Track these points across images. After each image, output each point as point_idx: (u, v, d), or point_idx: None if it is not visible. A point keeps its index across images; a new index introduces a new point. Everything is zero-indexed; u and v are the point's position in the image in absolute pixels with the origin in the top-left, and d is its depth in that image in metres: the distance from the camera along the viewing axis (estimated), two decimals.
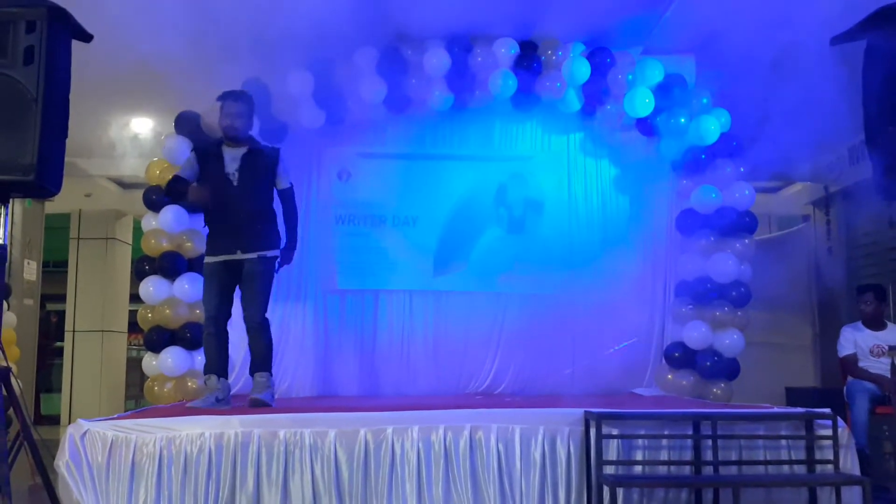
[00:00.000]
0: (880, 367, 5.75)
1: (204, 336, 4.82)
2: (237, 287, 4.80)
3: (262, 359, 4.83)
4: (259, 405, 4.59)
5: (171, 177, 5.42)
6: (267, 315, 6.43)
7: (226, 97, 4.81)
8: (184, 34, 4.99)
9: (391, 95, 6.13)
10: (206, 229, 4.83)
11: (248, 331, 4.79)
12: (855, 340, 5.90)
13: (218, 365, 4.77)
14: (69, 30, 3.55)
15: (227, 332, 4.84)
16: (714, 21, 5.74)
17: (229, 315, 4.84)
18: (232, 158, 4.73)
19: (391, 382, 6.36)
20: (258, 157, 4.76)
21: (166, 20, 4.91)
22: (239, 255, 4.69)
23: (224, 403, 4.68)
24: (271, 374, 4.88)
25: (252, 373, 4.81)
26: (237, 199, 4.67)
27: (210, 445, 3.92)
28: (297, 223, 4.89)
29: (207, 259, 4.79)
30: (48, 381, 10.87)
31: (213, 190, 4.66)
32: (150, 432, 3.94)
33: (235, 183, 4.69)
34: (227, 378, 4.84)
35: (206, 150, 4.86)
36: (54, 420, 9.61)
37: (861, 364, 5.83)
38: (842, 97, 4.58)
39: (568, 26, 6.01)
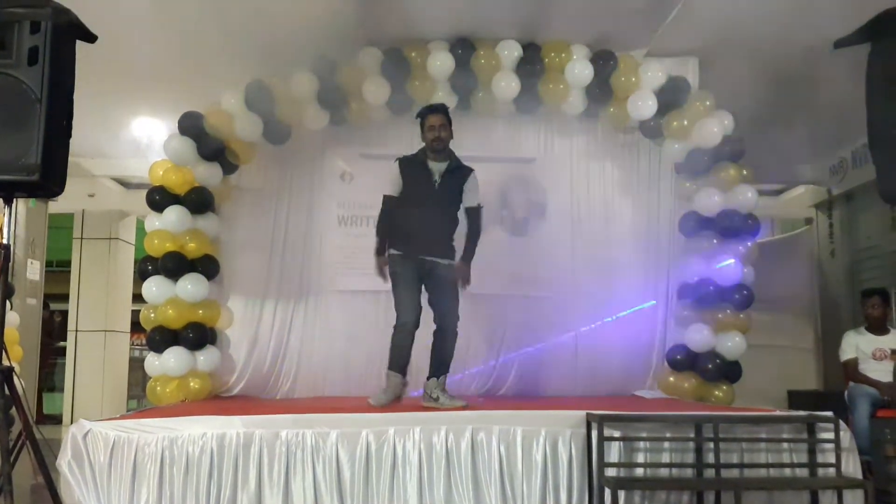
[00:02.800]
0: (882, 371, 5.76)
1: (399, 333, 4.93)
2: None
3: (446, 363, 5.00)
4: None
5: (173, 177, 5.45)
6: (268, 316, 6.48)
7: (428, 111, 5.06)
8: (188, 35, 5.01)
9: (394, 97, 6.14)
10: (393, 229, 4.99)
11: (440, 332, 4.99)
12: (857, 345, 5.91)
13: (404, 362, 4.95)
14: (73, 30, 3.55)
15: None
16: (717, 23, 5.75)
17: None
18: (437, 171, 4.99)
19: None
20: (456, 173, 5.01)
21: (170, 21, 4.93)
22: (436, 259, 4.96)
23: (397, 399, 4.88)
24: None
25: (437, 375, 4.95)
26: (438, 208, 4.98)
27: (212, 446, 3.93)
28: (477, 241, 5.05)
29: (393, 252, 4.95)
30: (51, 380, 10.88)
31: (417, 198, 4.97)
32: (152, 432, 3.96)
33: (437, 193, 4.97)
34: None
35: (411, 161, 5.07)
36: (56, 419, 9.61)
37: (863, 368, 5.83)
38: (845, 100, 4.58)
39: (571, 28, 6.01)
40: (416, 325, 4.93)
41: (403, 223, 4.97)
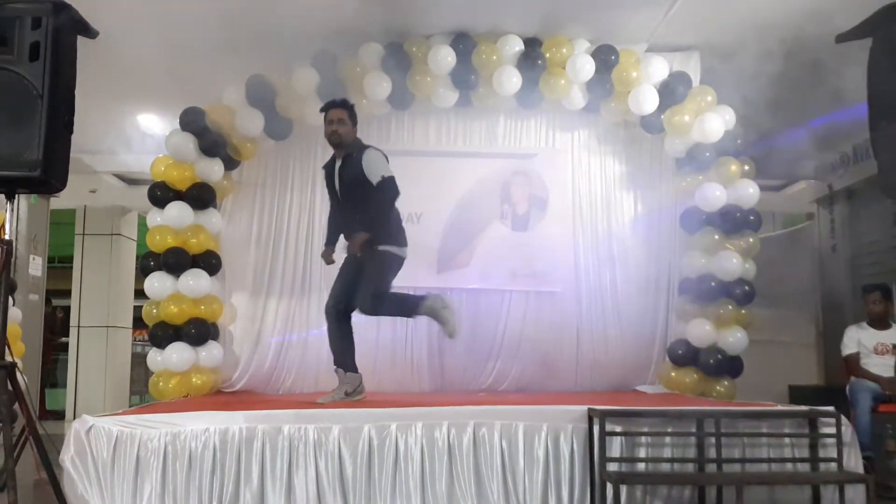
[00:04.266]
0: (884, 365, 5.77)
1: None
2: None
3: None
4: None
5: (174, 172, 5.46)
6: (270, 311, 6.49)
7: (328, 105, 4.98)
8: (189, 31, 5.00)
9: (396, 92, 6.14)
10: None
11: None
12: (859, 339, 5.92)
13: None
14: (74, 26, 3.56)
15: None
16: (718, 18, 5.75)
17: None
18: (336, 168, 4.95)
19: (395, 379, 6.37)
20: (348, 161, 4.87)
21: (171, 17, 4.92)
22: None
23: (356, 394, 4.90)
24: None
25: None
26: None
27: (215, 441, 3.93)
28: (383, 212, 4.86)
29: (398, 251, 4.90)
30: (53, 376, 10.89)
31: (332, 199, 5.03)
32: (155, 428, 3.96)
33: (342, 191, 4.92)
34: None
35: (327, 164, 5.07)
36: (59, 415, 9.63)
37: (865, 362, 5.83)
38: (847, 94, 4.58)
39: (572, 23, 6.01)
40: (336, 312, 4.91)
41: (340, 224, 5.03)
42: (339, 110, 4.90)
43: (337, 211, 5.04)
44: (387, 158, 4.86)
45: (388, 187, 4.73)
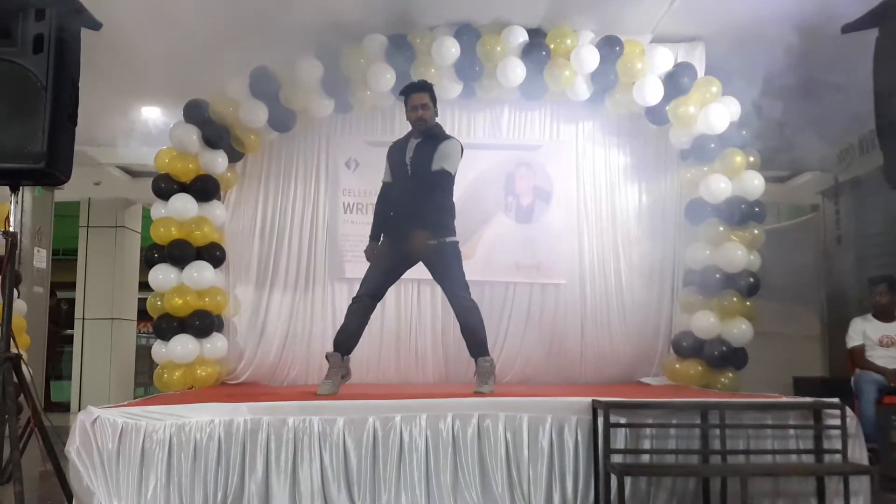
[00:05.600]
0: (889, 357, 5.76)
1: (351, 305, 4.93)
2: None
3: (479, 342, 4.92)
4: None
5: (178, 165, 5.45)
6: (274, 303, 6.49)
7: (410, 89, 4.97)
8: (192, 22, 4.99)
9: (400, 84, 6.11)
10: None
11: (457, 313, 4.93)
12: (864, 331, 5.92)
13: (345, 339, 4.92)
14: (78, 18, 3.56)
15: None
16: (723, 9, 5.72)
17: None
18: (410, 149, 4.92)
19: (399, 370, 6.38)
20: (427, 144, 4.87)
21: (175, 8, 4.92)
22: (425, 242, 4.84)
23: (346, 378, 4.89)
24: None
25: (475, 357, 4.92)
26: None
27: (219, 432, 3.94)
28: (438, 207, 4.91)
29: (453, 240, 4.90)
30: (58, 368, 10.91)
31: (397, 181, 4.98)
32: (160, 419, 3.97)
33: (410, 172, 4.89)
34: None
35: (396, 145, 5.06)
36: (64, 407, 9.65)
37: (869, 354, 5.83)
38: (853, 85, 4.55)
39: (577, 14, 5.99)
40: (370, 302, 4.90)
41: (390, 208, 4.96)
42: (422, 94, 4.90)
43: (396, 193, 4.94)
44: (462, 154, 4.91)
45: (444, 181, 4.80)
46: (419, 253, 4.81)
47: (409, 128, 5.05)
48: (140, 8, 4.87)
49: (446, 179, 4.81)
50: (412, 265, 4.97)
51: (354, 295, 4.95)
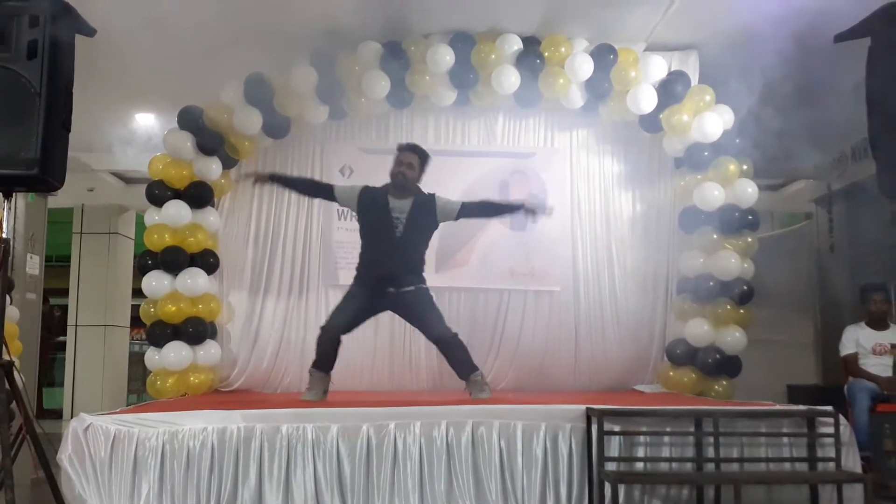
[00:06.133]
0: (882, 365, 5.77)
1: (325, 335, 5.14)
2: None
3: (467, 364, 5.19)
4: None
5: (172, 171, 5.45)
6: (268, 310, 6.51)
7: (406, 148, 5.24)
8: (187, 29, 4.99)
9: (394, 91, 6.13)
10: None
11: (440, 346, 5.26)
12: (857, 339, 5.92)
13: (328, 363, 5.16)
14: (72, 24, 3.54)
15: None
16: (717, 17, 5.74)
17: None
18: (398, 210, 5.13)
19: (393, 378, 6.37)
20: (422, 207, 5.15)
21: (169, 15, 4.91)
22: (400, 290, 5.14)
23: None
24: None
25: (466, 377, 5.16)
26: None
27: (212, 440, 3.93)
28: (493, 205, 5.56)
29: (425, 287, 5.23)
30: (50, 375, 10.87)
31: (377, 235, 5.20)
32: (153, 426, 3.96)
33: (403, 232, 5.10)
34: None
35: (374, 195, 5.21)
36: (56, 414, 9.60)
37: (863, 362, 5.84)
38: (846, 93, 4.57)
39: (571, 22, 6.00)
40: (343, 333, 5.12)
41: (365, 255, 5.20)
42: (412, 155, 5.13)
43: (376, 246, 5.16)
44: None
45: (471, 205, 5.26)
46: (394, 302, 5.13)
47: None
48: (134, 14, 4.87)
49: (469, 204, 5.26)
50: (383, 310, 5.32)
51: (323, 324, 5.18)
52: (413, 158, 5.12)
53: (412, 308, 5.17)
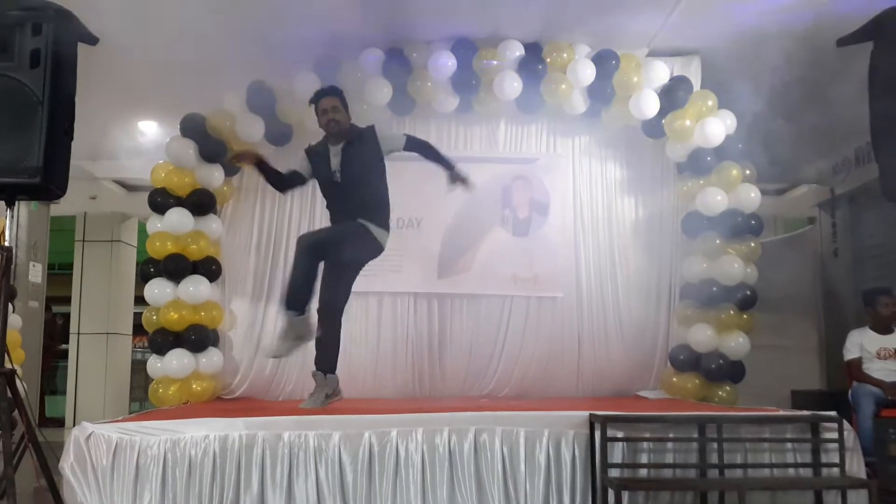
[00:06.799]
0: (887, 370, 5.76)
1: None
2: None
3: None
4: None
5: (175, 179, 5.42)
6: (270, 317, 6.46)
7: (319, 94, 4.89)
8: (189, 37, 5.00)
9: (396, 98, 6.13)
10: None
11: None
12: (861, 344, 5.91)
13: None
14: (75, 33, 3.56)
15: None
16: (719, 22, 5.74)
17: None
18: (335, 155, 4.83)
19: (396, 385, 6.36)
20: (355, 143, 4.83)
21: (172, 23, 4.93)
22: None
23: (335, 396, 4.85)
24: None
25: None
26: None
27: (214, 448, 3.92)
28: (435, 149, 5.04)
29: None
30: (53, 383, 10.87)
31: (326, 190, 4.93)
32: (155, 434, 3.96)
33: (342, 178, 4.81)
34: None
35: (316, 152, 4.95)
36: (59, 422, 9.59)
37: (867, 367, 5.82)
38: (848, 98, 4.57)
39: (573, 28, 6.00)
40: (335, 311, 4.90)
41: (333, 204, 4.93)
42: (331, 98, 4.83)
43: (330, 197, 4.93)
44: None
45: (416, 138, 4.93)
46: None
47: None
48: (137, 22, 4.88)
49: (414, 138, 4.95)
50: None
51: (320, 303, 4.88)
52: (334, 101, 4.81)
53: (335, 242, 4.78)
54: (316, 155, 4.93)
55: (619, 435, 4.05)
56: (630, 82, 6.09)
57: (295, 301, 4.65)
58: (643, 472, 4.09)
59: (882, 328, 5.91)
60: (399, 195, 6.39)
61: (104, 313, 9.74)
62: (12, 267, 3.69)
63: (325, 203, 5.04)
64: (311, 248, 4.70)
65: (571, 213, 6.63)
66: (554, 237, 6.56)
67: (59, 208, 8.62)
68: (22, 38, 3.40)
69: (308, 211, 6.57)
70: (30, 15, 3.42)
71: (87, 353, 9.69)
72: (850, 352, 5.96)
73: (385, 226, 4.86)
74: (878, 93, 3.71)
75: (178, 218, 5.93)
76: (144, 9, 4.87)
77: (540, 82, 6.11)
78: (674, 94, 6.11)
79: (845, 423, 4.11)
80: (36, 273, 8.06)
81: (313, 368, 4.87)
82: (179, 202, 6.01)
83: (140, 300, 6.63)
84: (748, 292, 5.99)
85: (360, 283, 6.14)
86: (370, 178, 4.82)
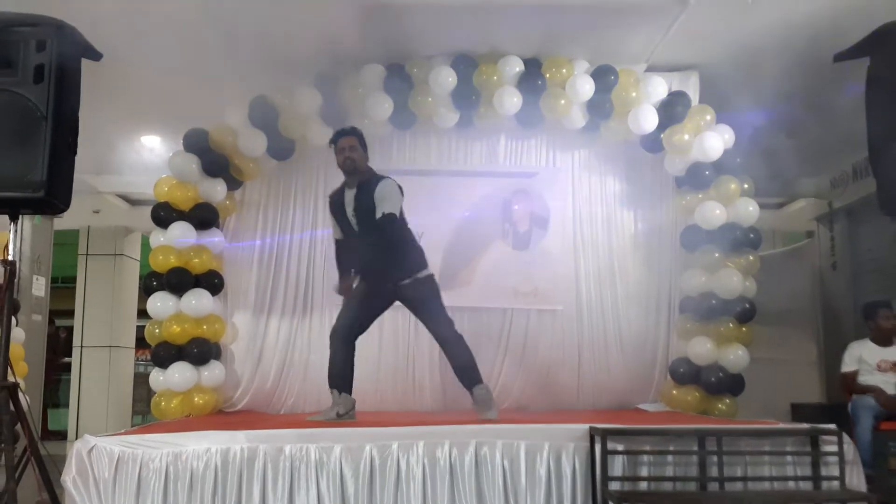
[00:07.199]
0: (886, 382, 5.76)
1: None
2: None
3: (467, 370, 5.04)
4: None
5: (178, 193, 5.43)
6: (272, 331, 6.47)
7: (338, 135, 5.02)
8: (192, 53, 5.04)
9: (397, 113, 6.17)
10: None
11: (442, 345, 5.10)
12: (860, 356, 5.92)
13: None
14: (79, 48, 3.58)
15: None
16: (717, 38, 5.78)
17: None
18: (349, 198, 4.95)
19: (396, 398, 6.36)
20: (364, 189, 4.90)
21: (175, 38, 4.97)
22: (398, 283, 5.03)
23: (347, 417, 4.90)
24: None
25: (470, 387, 5.03)
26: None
27: (216, 461, 3.92)
28: (387, 251, 4.94)
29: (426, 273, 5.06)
30: (55, 396, 10.86)
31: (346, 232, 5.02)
32: (157, 448, 3.95)
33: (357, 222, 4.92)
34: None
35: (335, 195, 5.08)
36: (61, 435, 9.60)
37: (866, 379, 5.83)
38: (846, 113, 4.60)
39: (572, 44, 6.04)
40: (349, 335, 5.01)
41: (352, 262, 5.03)
42: (350, 138, 4.95)
43: (348, 242, 5.03)
44: (401, 191, 4.90)
45: (387, 225, 4.73)
46: (395, 293, 4.97)
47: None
48: (140, 39, 4.93)
49: (391, 222, 4.75)
50: (389, 305, 5.15)
51: (333, 327, 5.05)
52: (352, 140, 4.92)
53: (413, 301, 5.02)
54: (335, 202, 5.05)
55: (620, 448, 4.05)
56: (629, 97, 6.13)
57: (340, 382, 4.93)
58: (643, 486, 4.08)
59: (883, 341, 5.92)
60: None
61: (107, 327, 9.76)
62: (16, 280, 3.71)
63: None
64: (350, 338, 4.98)
65: (571, 226, 6.65)
66: (554, 251, 6.58)
67: (63, 222, 8.64)
68: (26, 54, 3.41)
69: (310, 224, 6.59)
70: (34, 31, 3.44)
71: (89, 366, 9.69)
72: (847, 364, 5.98)
73: (422, 266, 5.01)
74: (874, 107, 3.73)
75: (181, 232, 5.95)
76: (147, 24, 4.91)
77: (539, 97, 6.14)
78: (672, 109, 6.14)
79: (845, 436, 4.10)
80: (39, 286, 8.08)
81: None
82: (182, 216, 6.03)
83: (143, 313, 6.64)
84: (747, 305, 6.00)
85: None
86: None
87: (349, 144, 4.91)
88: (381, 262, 4.84)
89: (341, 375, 4.96)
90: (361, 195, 4.87)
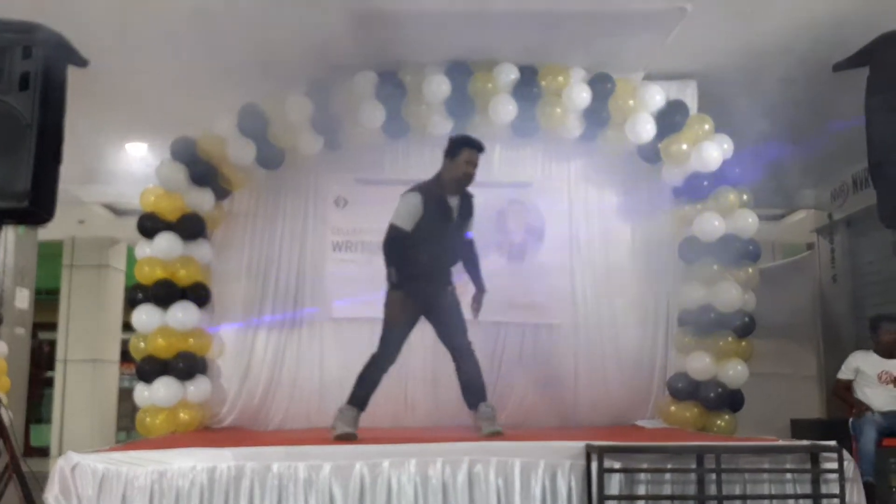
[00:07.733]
0: (886, 394, 5.72)
1: (376, 367, 5.05)
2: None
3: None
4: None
5: (164, 203, 5.34)
6: (261, 344, 6.39)
7: (472, 146, 5.11)
8: (180, 60, 4.98)
9: (390, 121, 6.10)
10: None
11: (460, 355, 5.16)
12: (858, 367, 5.91)
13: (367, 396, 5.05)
14: (65, 55, 3.52)
15: None
16: (716, 47, 5.75)
17: None
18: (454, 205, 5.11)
19: (388, 414, 6.24)
20: (465, 202, 5.19)
21: (163, 45, 4.90)
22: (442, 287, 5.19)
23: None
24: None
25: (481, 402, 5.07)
26: None
27: (202, 479, 3.86)
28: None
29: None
30: (38, 411, 10.71)
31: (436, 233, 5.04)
32: (142, 465, 3.91)
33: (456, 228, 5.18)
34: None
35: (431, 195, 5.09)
36: (44, 452, 9.45)
37: (864, 390, 5.80)
38: (845, 123, 4.56)
39: (569, 52, 5.99)
40: (386, 368, 5.04)
41: (419, 256, 4.95)
42: (480, 155, 5.08)
43: (412, 238, 4.95)
44: None
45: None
46: (435, 297, 5.03)
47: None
48: (127, 45, 4.87)
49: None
50: (417, 320, 5.14)
51: (378, 353, 5.03)
52: (479, 157, 5.07)
53: (448, 308, 5.10)
54: (435, 201, 5.02)
55: (617, 466, 3.98)
56: (626, 106, 6.08)
57: (360, 400, 4.95)
58: None
59: (887, 353, 5.91)
60: None
61: (91, 340, 9.61)
62: None
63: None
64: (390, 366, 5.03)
65: (567, 238, 6.59)
66: (549, 262, 6.52)
67: (47, 233, 8.54)
68: (12, 61, 3.36)
69: (299, 236, 6.51)
70: (20, 38, 3.38)
71: (73, 380, 9.54)
72: (843, 372, 6.01)
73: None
74: (874, 117, 3.69)
75: (168, 243, 5.86)
76: (135, 31, 4.86)
77: (535, 106, 6.09)
78: (670, 118, 6.09)
79: (845, 453, 4.04)
80: (23, 299, 7.97)
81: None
82: (169, 227, 5.93)
83: (128, 326, 6.54)
84: (746, 319, 5.93)
85: (354, 310, 6.09)
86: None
87: (476, 160, 5.03)
88: (447, 265, 5.07)
89: (365, 397, 4.98)
90: (465, 205, 5.12)
